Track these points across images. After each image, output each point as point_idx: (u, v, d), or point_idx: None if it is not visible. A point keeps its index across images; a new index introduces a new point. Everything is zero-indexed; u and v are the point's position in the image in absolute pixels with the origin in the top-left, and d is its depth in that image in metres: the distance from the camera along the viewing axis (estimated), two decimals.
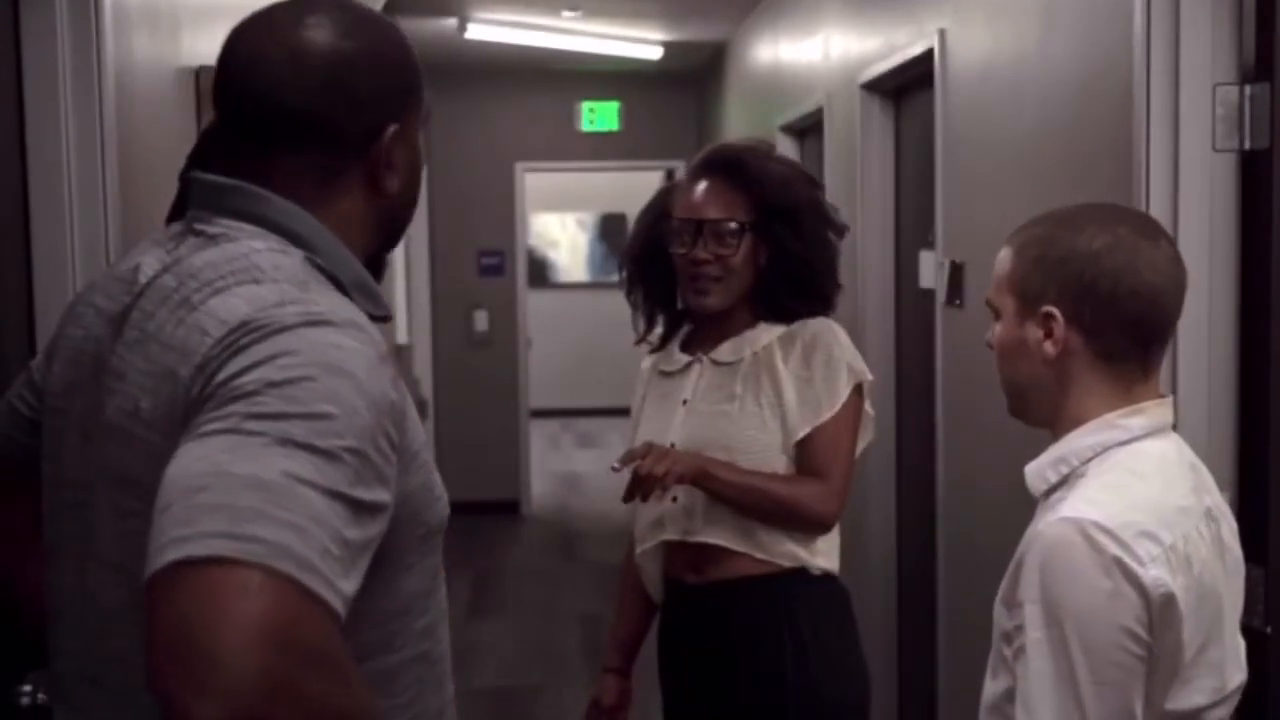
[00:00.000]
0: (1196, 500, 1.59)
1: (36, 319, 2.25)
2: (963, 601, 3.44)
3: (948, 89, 3.47)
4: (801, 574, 2.42)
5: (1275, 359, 2.19)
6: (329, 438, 1.07)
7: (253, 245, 1.26)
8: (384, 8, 4.54)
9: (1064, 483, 1.60)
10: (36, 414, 1.41)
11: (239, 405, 1.08)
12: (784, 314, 2.46)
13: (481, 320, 8.85)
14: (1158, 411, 1.62)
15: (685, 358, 2.53)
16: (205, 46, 3.10)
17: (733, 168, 2.45)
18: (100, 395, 1.26)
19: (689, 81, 8.87)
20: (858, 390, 2.43)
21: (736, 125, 7.26)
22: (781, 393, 2.40)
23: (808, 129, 5.60)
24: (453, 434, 8.55)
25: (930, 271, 3.76)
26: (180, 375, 1.17)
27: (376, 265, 1.41)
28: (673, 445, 2.45)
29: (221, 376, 1.12)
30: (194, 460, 1.05)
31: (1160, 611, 1.48)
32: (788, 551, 2.41)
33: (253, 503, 1.01)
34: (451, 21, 6.84)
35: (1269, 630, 2.17)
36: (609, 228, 12.94)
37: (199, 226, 1.30)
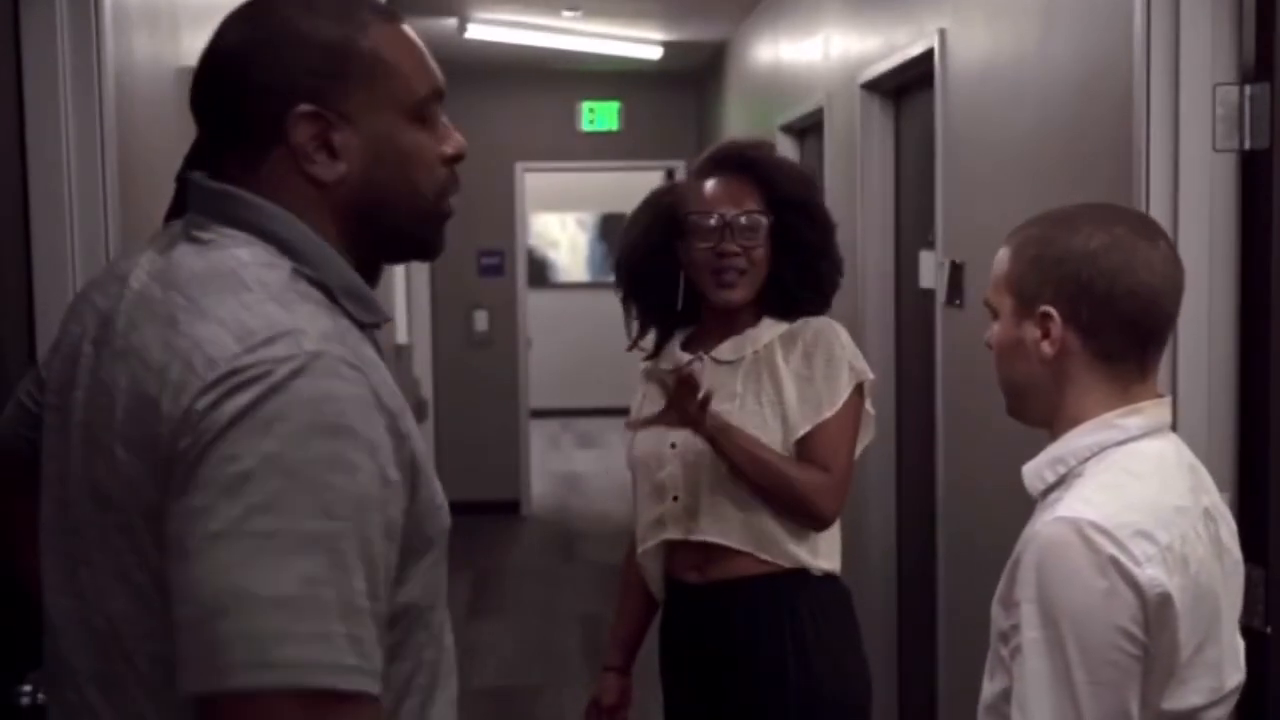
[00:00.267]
0: (1194, 500, 1.59)
1: (36, 319, 2.25)
2: (963, 601, 3.44)
3: (948, 89, 3.47)
4: (803, 574, 2.43)
5: (1275, 359, 2.19)
6: (336, 515, 1.12)
7: (239, 256, 1.25)
8: None
9: (1061, 482, 1.60)
10: (41, 410, 1.41)
11: (244, 494, 1.10)
12: (792, 308, 2.47)
13: (481, 320, 8.85)
14: (1155, 411, 1.62)
15: (685, 356, 2.53)
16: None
17: (746, 164, 2.49)
18: (91, 405, 1.26)
19: (689, 81, 8.87)
20: (858, 390, 2.43)
21: (736, 125, 7.26)
22: (782, 391, 2.41)
23: (808, 129, 5.60)
24: (453, 434, 8.55)
25: (930, 271, 3.76)
26: (162, 408, 1.17)
27: (372, 270, 1.37)
28: (674, 445, 2.45)
29: (216, 445, 1.12)
30: (211, 573, 1.10)
31: (1156, 611, 1.48)
32: (790, 552, 2.41)
33: (280, 624, 1.08)
34: (451, 21, 6.84)
35: (1269, 630, 2.17)
36: (609, 228, 12.94)
37: (193, 232, 1.30)
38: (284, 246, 1.27)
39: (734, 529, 2.41)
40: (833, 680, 2.42)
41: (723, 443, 2.36)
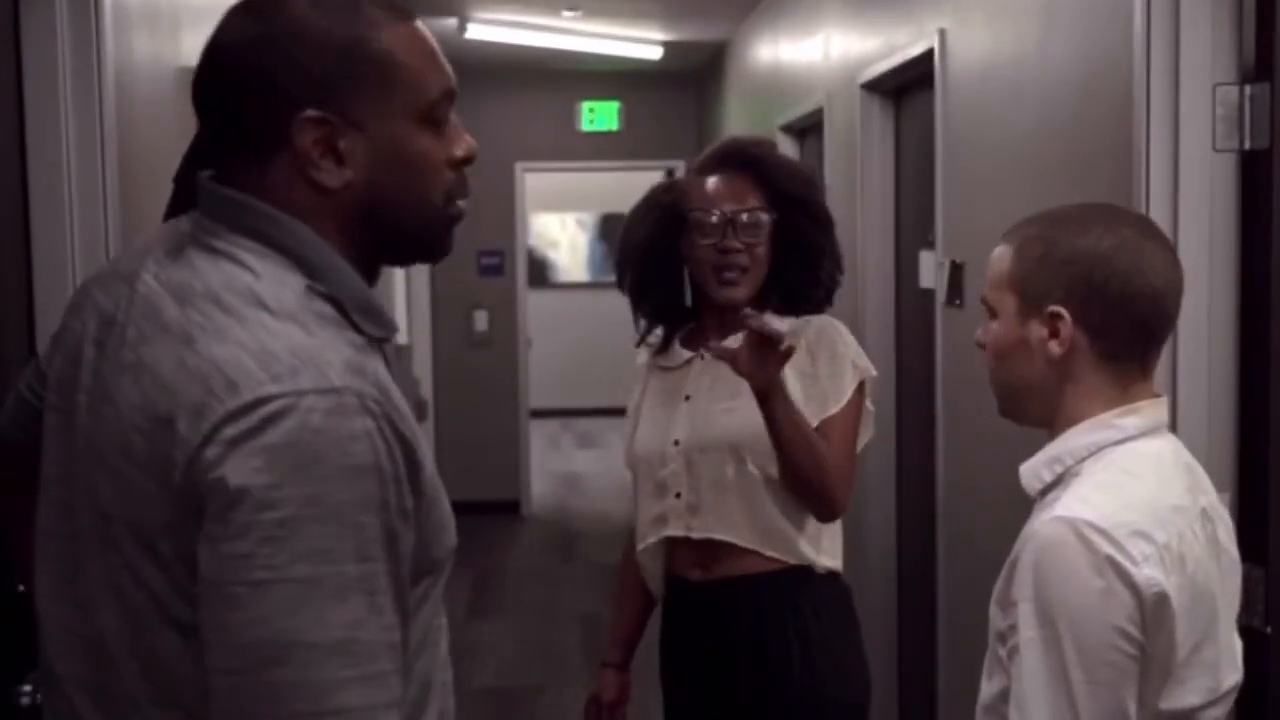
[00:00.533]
0: (1191, 500, 1.59)
1: (36, 319, 2.25)
2: (963, 601, 3.44)
3: (948, 89, 3.47)
4: (807, 571, 2.43)
5: (1275, 359, 2.19)
6: (370, 555, 1.14)
7: (256, 272, 1.22)
8: None
9: (1059, 482, 1.60)
10: (41, 403, 1.39)
11: (285, 541, 1.11)
12: (793, 307, 2.47)
13: (481, 320, 8.85)
14: (1153, 411, 1.62)
15: (686, 353, 2.53)
16: None
17: (749, 161, 2.49)
18: (94, 413, 1.24)
19: (689, 81, 8.87)
20: (860, 387, 2.44)
21: (736, 125, 7.26)
22: (787, 389, 2.41)
23: (808, 129, 5.60)
24: (453, 434, 8.54)
25: (930, 271, 3.76)
26: (178, 431, 1.15)
27: (372, 271, 1.34)
28: (677, 442, 2.45)
29: (250, 487, 1.11)
30: (258, 622, 1.11)
31: (1153, 611, 1.48)
32: (796, 549, 2.41)
33: (333, 671, 1.11)
34: (451, 21, 6.84)
35: (1269, 630, 2.17)
36: (609, 228, 12.93)
37: (204, 238, 1.26)
38: (297, 260, 1.24)
39: (740, 525, 2.41)
40: (835, 679, 2.42)
41: (778, 405, 2.28)
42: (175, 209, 1.37)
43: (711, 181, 2.48)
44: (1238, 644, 1.64)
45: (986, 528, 3.17)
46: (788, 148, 5.67)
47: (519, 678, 5.63)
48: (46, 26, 2.25)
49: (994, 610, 1.59)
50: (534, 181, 9.14)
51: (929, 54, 3.56)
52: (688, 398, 2.49)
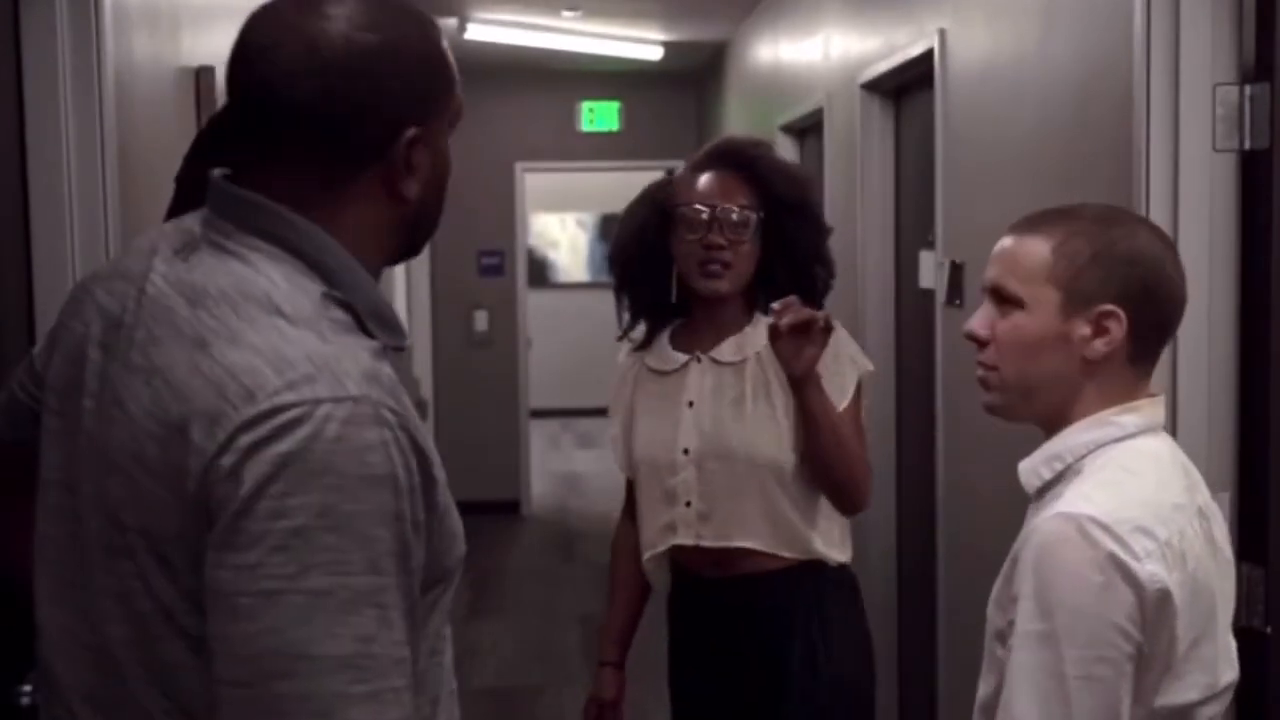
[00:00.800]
0: (1189, 498, 1.59)
1: (36, 319, 2.25)
2: (963, 601, 3.44)
3: (948, 89, 3.47)
4: (820, 564, 2.46)
5: (1275, 359, 2.19)
6: (382, 569, 1.12)
7: (271, 276, 1.20)
8: None
9: (1059, 479, 1.59)
10: (36, 404, 1.37)
11: (296, 551, 1.09)
12: None
13: (481, 320, 8.85)
14: (1151, 410, 1.62)
15: (681, 356, 2.53)
16: (205, 47, 3.10)
17: (743, 161, 2.50)
18: (102, 417, 1.21)
19: (689, 81, 8.87)
20: (858, 383, 2.46)
21: (736, 125, 7.26)
22: (791, 391, 2.42)
23: (808, 129, 5.60)
24: (453, 434, 8.54)
25: (930, 271, 3.76)
26: (192, 438, 1.13)
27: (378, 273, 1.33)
28: (686, 451, 2.45)
29: (263, 496, 1.09)
30: (266, 633, 1.09)
31: (1155, 607, 1.48)
32: (810, 548, 2.45)
33: (341, 685, 1.09)
34: (451, 21, 6.84)
35: (1269, 630, 2.17)
36: (609, 228, 12.88)
37: (214, 238, 1.23)
38: (314, 265, 1.22)
39: (757, 529, 2.43)
40: (850, 670, 2.47)
41: (814, 392, 2.32)
42: (177, 209, 1.36)
43: (703, 178, 2.49)
44: (1233, 643, 1.64)
45: (986, 527, 3.17)
46: (788, 148, 5.67)
47: (519, 678, 5.63)
48: (46, 26, 2.25)
49: (992, 610, 1.59)
50: (534, 181, 9.15)
51: (929, 54, 3.56)
52: (690, 403, 2.49)
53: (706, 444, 2.44)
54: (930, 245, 3.70)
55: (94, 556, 1.22)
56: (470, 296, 8.80)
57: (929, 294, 3.76)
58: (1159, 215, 2.21)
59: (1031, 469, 1.63)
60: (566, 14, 6.78)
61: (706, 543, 2.44)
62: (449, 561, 1.26)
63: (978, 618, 1.65)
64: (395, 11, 1.25)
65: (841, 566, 2.50)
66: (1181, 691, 1.53)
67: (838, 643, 2.44)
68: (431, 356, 8.65)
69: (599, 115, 8.94)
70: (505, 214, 8.76)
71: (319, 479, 1.09)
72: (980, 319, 1.65)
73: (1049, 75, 2.81)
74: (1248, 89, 2.20)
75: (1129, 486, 1.54)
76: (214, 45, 3.10)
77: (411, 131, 1.24)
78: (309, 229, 1.22)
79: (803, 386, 2.30)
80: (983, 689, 1.62)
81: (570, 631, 6.24)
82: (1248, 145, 2.21)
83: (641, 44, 7.73)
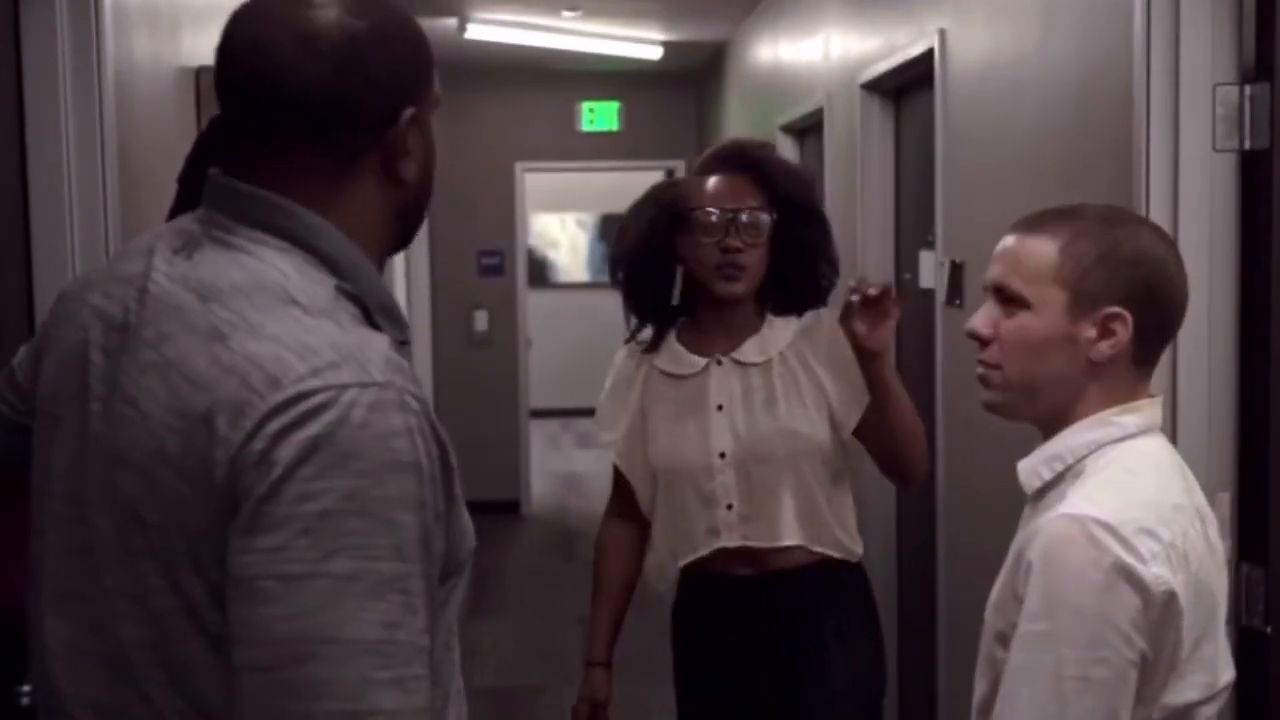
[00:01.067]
0: (1189, 499, 1.59)
1: (36, 319, 2.25)
2: (963, 601, 3.44)
3: (948, 89, 3.47)
4: (842, 561, 2.51)
5: (1275, 359, 2.19)
6: (407, 556, 1.11)
7: (282, 268, 1.19)
8: None
9: (1059, 480, 1.59)
10: (19, 415, 1.36)
11: (323, 535, 1.08)
12: (790, 304, 2.52)
13: (481, 320, 8.85)
14: (1150, 410, 1.62)
15: (699, 359, 2.53)
16: (205, 46, 3.10)
17: (750, 163, 2.52)
18: (113, 418, 1.19)
19: (689, 81, 8.87)
20: None
21: (736, 125, 7.26)
22: (823, 387, 2.46)
23: (808, 129, 5.60)
24: (453, 434, 8.26)
25: (930, 271, 3.76)
26: (217, 429, 1.12)
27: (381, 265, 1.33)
28: (723, 455, 2.45)
29: (290, 480, 1.09)
30: (291, 616, 1.08)
31: (1161, 609, 1.47)
32: (841, 545, 2.51)
33: (365, 670, 1.08)
34: (451, 21, 6.84)
35: (1269, 630, 2.17)
36: (609, 228, 12.92)
37: (217, 234, 1.23)
38: (322, 258, 1.22)
39: (796, 528, 2.45)
40: (868, 662, 2.52)
41: (887, 367, 2.39)
42: (180, 209, 1.34)
43: (713, 181, 2.50)
44: (1228, 644, 1.64)
45: (986, 528, 3.17)
46: (788, 148, 5.67)
47: (519, 678, 5.63)
48: (46, 26, 2.25)
49: (991, 611, 1.58)
50: (534, 181, 9.14)
51: (929, 54, 3.56)
52: (720, 407, 2.49)
53: (743, 447, 2.46)
54: (930, 245, 3.70)
55: (106, 560, 1.20)
56: (470, 296, 8.80)
57: (929, 294, 3.76)
58: (1159, 215, 2.21)
59: (1031, 469, 1.63)
60: (566, 14, 6.78)
61: (754, 543, 2.46)
62: (461, 555, 1.26)
63: (978, 618, 1.65)
64: None
65: (858, 563, 2.55)
66: (1183, 691, 1.53)
67: (857, 637, 2.50)
68: (431, 356, 8.64)
69: (599, 115, 8.94)
70: (505, 214, 8.76)
71: (347, 463, 1.09)
72: (983, 318, 1.65)
73: (1049, 75, 2.81)
74: (1248, 89, 2.20)
75: (1132, 488, 1.54)
76: (214, 45, 3.09)
77: (410, 111, 1.25)
78: (312, 221, 1.22)
79: (878, 360, 2.36)
80: (979, 690, 1.61)
81: (570, 631, 6.23)
82: (1248, 145, 2.21)
83: (641, 44, 7.73)
